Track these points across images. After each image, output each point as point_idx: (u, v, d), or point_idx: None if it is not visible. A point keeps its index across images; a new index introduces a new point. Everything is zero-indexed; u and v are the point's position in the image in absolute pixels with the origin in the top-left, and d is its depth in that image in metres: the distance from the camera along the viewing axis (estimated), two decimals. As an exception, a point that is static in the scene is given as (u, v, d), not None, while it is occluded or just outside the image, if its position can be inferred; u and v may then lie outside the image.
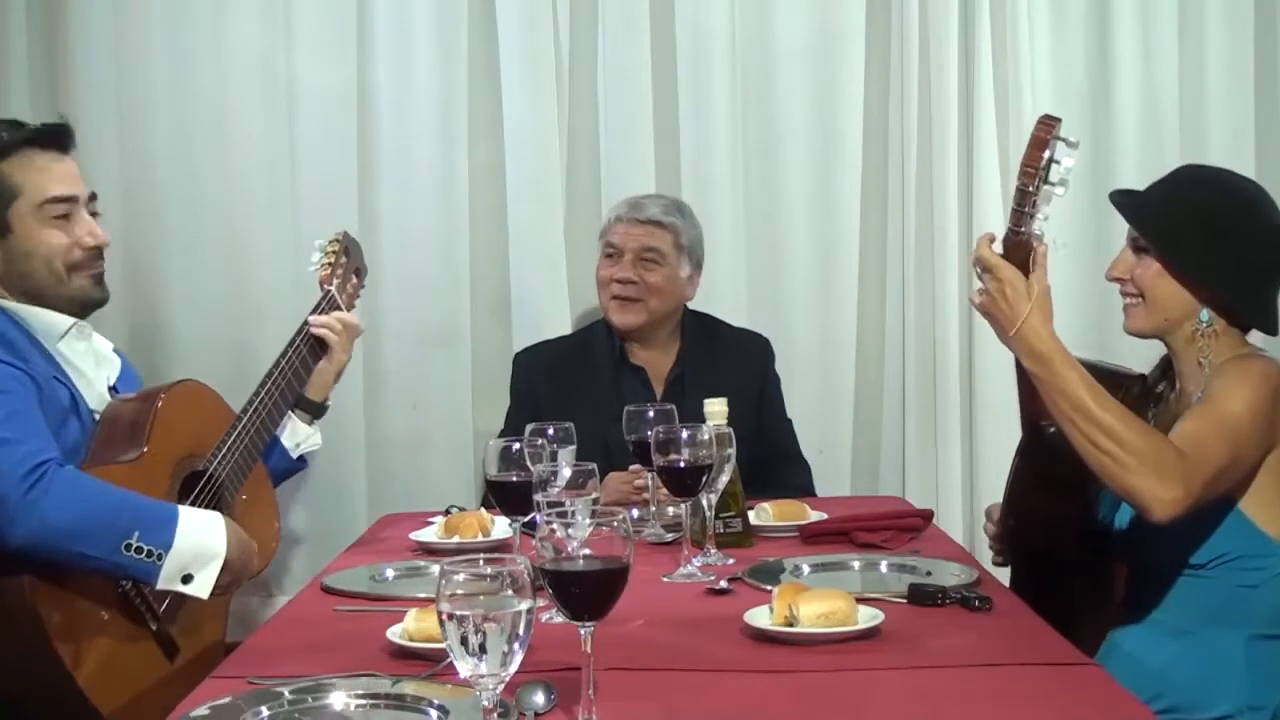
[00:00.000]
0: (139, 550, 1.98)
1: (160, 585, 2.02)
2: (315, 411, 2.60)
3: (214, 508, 2.22)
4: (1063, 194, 2.00)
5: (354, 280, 2.65)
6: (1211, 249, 2.07)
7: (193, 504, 2.20)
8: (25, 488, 1.93)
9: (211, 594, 2.07)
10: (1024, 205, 1.99)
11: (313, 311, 2.58)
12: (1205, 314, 2.08)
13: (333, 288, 2.59)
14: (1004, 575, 2.37)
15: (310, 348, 2.53)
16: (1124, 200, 2.16)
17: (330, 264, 2.62)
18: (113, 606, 2.05)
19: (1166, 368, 2.21)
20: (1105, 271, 2.19)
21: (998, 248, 2.04)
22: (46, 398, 2.13)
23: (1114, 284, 2.19)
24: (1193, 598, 2.07)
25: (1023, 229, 2.00)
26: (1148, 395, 2.22)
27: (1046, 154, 1.96)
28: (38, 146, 2.25)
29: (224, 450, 2.28)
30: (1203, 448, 1.94)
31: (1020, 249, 2.02)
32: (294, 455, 2.60)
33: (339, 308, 2.61)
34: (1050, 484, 2.18)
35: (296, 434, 2.58)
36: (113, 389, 2.37)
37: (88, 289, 2.29)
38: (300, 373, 2.50)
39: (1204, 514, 2.00)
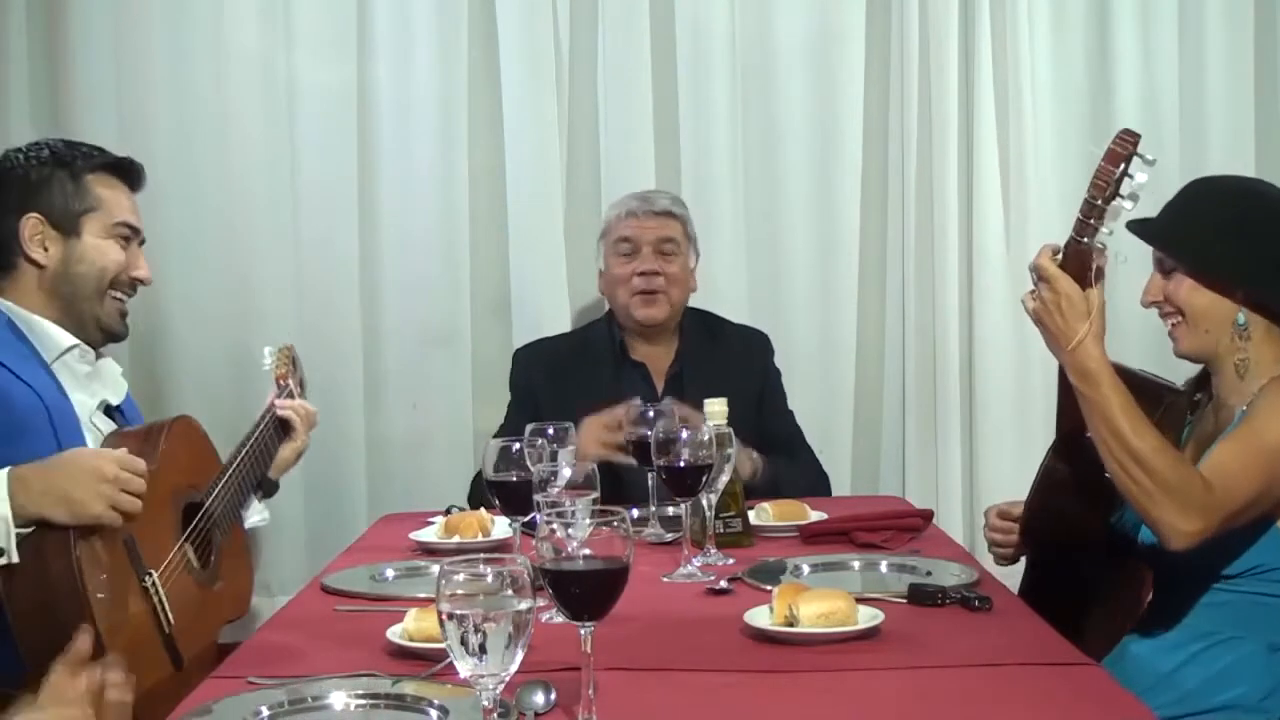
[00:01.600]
0: None
1: None
2: (269, 490, 2.63)
3: (205, 543, 2.22)
4: (1131, 209, 2.01)
5: (299, 389, 2.71)
6: (1234, 247, 2.07)
7: (190, 534, 2.19)
8: None
9: (36, 536, 1.95)
10: (1090, 217, 2.00)
11: (275, 398, 2.63)
12: (1241, 316, 2.08)
13: (290, 383, 2.66)
14: (1008, 575, 2.37)
15: (275, 429, 2.57)
16: (1140, 227, 2.16)
17: (286, 366, 2.69)
18: (141, 602, 2.04)
19: (1205, 379, 2.21)
20: (1139, 299, 2.18)
21: (1056, 258, 2.05)
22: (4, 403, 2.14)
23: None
24: (1217, 606, 2.06)
25: (1085, 239, 2.01)
26: (1184, 407, 2.21)
27: (1122, 167, 1.98)
28: (117, 175, 2.39)
29: (217, 490, 2.28)
30: (1232, 479, 1.96)
31: (1080, 258, 2.02)
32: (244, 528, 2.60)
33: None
34: (1085, 488, 2.18)
35: (247, 508, 2.58)
36: (118, 409, 2.39)
37: (114, 317, 2.38)
38: (269, 448, 2.54)
39: (1241, 529, 2.01)
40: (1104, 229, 2.01)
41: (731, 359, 3.15)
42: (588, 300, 3.47)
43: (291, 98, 3.52)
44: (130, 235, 2.40)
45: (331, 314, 3.54)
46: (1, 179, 2.32)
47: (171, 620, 2.05)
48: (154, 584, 2.05)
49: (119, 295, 2.38)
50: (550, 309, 3.53)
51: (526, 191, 3.55)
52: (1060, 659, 1.76)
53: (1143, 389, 2.13)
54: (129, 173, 2.42)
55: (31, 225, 2.29)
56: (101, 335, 2.38)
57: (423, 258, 3.56)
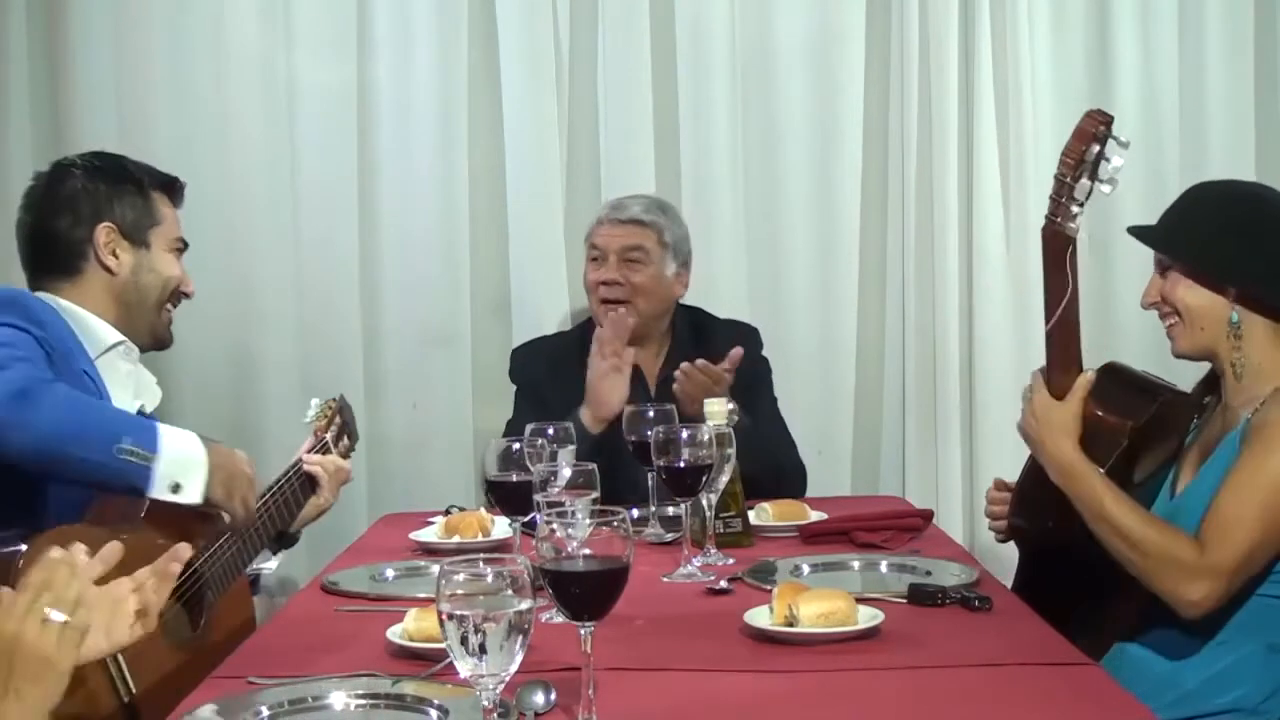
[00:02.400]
0: (131, 454, 2.01)
1: (152, 492, 2.03)
2: (287, 543, 2.62)
3: (196, 602, 2.15)
4: (1109, 192, 2.02)
5: (345, 441, 2.70)
6: (1230, 245, 2.08)
7: (176, 591, 2.02)
8: (16, 405, 1.96)
9: (207, 501, 2.09)
10: (1061, 196, 2.01)
11: (306, 452, 2.60)
12: (1235, 315, 2.08)
13: (328, 437, 2.64)
14: (1004, 574, 2.37)
15: (302, 483, 2.56)
16: (1140, 231, 2.18)
17: (326, 419, 2.67)
18: (97, 670, 1.87)
19: (1213, 382, 2.21)
20: (1140, 302, 2.20)
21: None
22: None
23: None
24: (1220, 607, 2.06)
25: (1058, 218, 2.03)
26: (1189, 409, 2.21)
27: (1094, 149, 1.99)
28: (167, 193, 2.48)
29: (213, 549, 2.22)
30: (1232, 531, 1.95)
31: (1056, 240, 2.04)
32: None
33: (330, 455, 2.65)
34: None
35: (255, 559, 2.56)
36: (150, 417, 2.39)
37: (165, 328, 2.46)
38: (292, 503, 2.51)
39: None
40: (1076, 208, 2.01)
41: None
42: (587, 300, 3.47)
43: (291, 98, 3.52)
44: (182, 251, 2.48)
45: (331, 314, 3.54)
46: (69, 188, 2.37)
47: (133, 689, 1.91)
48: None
49: (169, 307, 2.46)
50: (550, 309, 3.53)
51: (526, 191, 3.55)
52: (1060, 659, 1.76)
53: (1142, 387, 2.14)
54: (178, 192, 2.51)
55: (106, 233, 2.35)
56: (151, 344, 2.45)
57: (423, 258, 3.56)
